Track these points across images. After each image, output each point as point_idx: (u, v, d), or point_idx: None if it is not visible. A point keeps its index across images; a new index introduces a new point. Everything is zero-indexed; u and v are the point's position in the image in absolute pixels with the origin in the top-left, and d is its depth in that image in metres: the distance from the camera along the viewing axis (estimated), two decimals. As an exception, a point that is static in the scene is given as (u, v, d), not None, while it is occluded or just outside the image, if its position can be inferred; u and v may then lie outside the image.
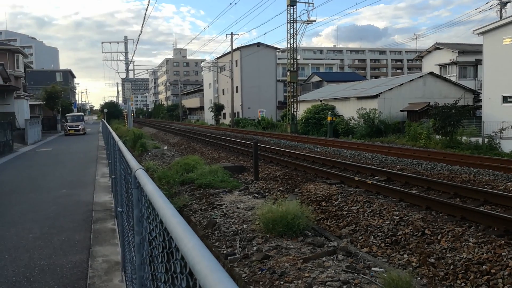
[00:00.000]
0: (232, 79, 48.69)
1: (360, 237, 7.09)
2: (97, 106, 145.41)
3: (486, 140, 19.41)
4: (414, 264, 5.82)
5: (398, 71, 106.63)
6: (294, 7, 33.81)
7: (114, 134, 7.69)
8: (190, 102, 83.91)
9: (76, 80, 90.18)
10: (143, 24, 45.73)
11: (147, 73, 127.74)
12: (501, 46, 22.73)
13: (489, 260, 5.47)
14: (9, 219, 7.54)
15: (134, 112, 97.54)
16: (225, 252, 6.05)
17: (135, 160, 3.09)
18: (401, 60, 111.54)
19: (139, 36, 46.03)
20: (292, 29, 34.03)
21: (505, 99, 22.69)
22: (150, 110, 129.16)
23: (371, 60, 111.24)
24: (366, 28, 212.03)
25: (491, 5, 35.57)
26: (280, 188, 10.69)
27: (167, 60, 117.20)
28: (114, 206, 7.34)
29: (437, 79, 30.90)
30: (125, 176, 3.86)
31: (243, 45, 55.33)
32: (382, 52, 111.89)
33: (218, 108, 55.26)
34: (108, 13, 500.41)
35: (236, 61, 53.75)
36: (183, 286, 1.27)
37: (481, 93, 27.03)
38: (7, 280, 4.70)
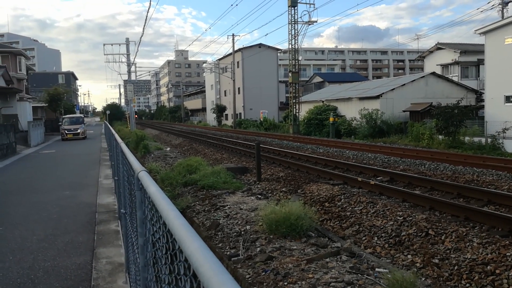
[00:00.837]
0: (234, 80, 48.71)
1: (363, 238, 7.07)
2: (99, 108, 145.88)
3: (489, 140, 19.35)
4: (418, 264, 5.80)
5: (400, 71, 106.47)
6: (295, 8, 33.81)
7: (116, 136, 7.70)
8: (192, 104, 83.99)
9: (78, 82, 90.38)
10: (144, 25, 45.81)
11: (149, 74, 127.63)
12: (503, 46, 22.67)
13: (494, 260, 5.44)
14: (13, 220, 7.55)
15: (137, 114, 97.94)
16: (228, 253, 6.05)
17: (138, 162, 3.10)
18: (403, 61, 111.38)
19: (140, 37, 46.16)
20: (293, 30, 34.05)
21: (508, 99, 22.62)
22: (152, 111, 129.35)
23: (372, 60, 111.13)
24: (367, 29, 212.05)
25: (493, 5, 35.48)
26: (283, 189, 10.68)
27: (168, 62, 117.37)
28: (118, 208, 7.35)
29: (439, 79, 30.82)
30: (128, 177, 3.87)
31: (244, 46, 55.39)
32: (384, 52, 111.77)
33: (220, 110, 55.30)
34: (110, 15, 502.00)
35: (238, 62, 53.77)
36: (187, 288, 1.26)
37: (483, 93, 26.93)
38: (11, 281, 4.71)
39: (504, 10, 35.17)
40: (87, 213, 8.03)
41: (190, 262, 1.11)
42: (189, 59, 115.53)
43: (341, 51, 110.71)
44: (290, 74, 35.30)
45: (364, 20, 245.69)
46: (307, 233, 6.47)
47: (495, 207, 8.01)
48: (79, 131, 31.24)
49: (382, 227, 7.25)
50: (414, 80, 30.81)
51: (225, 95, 60.98)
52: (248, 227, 7.03)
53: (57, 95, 42.44)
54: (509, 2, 35.56)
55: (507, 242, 5.80)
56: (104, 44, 37.23)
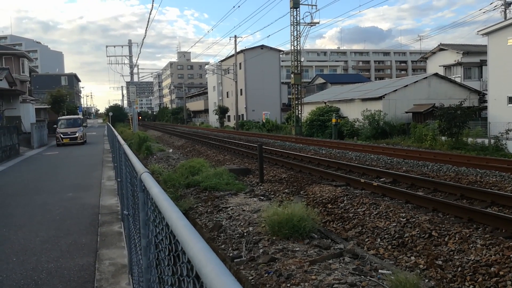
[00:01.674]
0: (236, 82, 48.77)
1: (366, 239, 7.06)
2: (102, 110, 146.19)
3: (492, 141, 19.29)
4: (421, 266, 5.78)
5: (403, 72, 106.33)
6: (297, 9, 33.83)
7: (119, 137, 7.72)
8: (195, 105, 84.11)
9: (81, 84, 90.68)
10: (147, 27, 45.95)
11: (151, 76, 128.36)
12: (506, 47, 22.61)
13: (498, 262, 5.42)
14: (16, 222, 7.57)
15: (141, 116, 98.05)
16: (231, 254, 6.05)
17: (140, 163, 3.10)
18: (405, 62, 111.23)
19: (143, 39, 46.27)
20: (295, 31, 34.05)
21: (511, 100, 22.56)
22: (154, 113, 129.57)
23: (375, 61, 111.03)
24: (369, 30, 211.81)
25: (495, 6, 35.43)
26: (286, 191, 10.67)
27: (171, 63, 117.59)
28: (120, 209, 7.36)
29: (442, 80, 30.77)
30: (130, 179, 3.87)
31: (246, 47, 55.48)
32: (386, 53, 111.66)
33: (222, 111, 55.35)
34: (113, 17, 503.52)
35: (240, 63, 53.83)
36: (190, 289, 1.26)
37: (486, 94, 26.88)
38: (15, 283, 4.72)
39: (507, 11, 35.13)
40: (90, 214, 8.04)
41: (193, 263, 1.11)
42: (192, 60, 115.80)
43: (343, 52, 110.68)
44: (292, 76, 35.31)
45: (366, 21, 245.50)
46: (309, 234, 6.47)
47: (499, 209, 7.98)
48: (77, 134, 27.53)
49: (385, 228, 7.23)
50: (417, 81, 30.78)
51: (227, 97, 61.04)
52: (250, 228, 7.02)
53: (60, 96, 42.57)
54: (512, 3, 35.48)
55: (511, 243, 5.77)
56: (106, 46, 37.39)
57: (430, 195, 9.13)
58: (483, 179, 11.07)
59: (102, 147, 24.59)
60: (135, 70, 38.12)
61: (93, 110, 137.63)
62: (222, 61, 62.06)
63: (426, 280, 5.35)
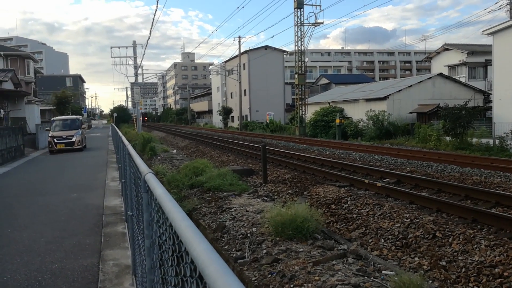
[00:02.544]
0: (240, 82, 48.79)
1: (370, 240, 7.04)
2: (106, 111, 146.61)
3: (497, 141, 19.18)
4: (425, 267, 5.76)
5: (407, 72, 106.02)
6: (302, 9, 33.82)
7: (123, 138, 7.74)
8: (199, 106, 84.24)
9: (85, 85, 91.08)
10: (151, 28, 45.99)
11: (155, 77, 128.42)
12: (511, 47, 22.50)
13: (502, 263, 5.40)
14: (21, 222, 7.62)
15: (147, 117, 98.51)
16: (234, 255, 6.05)
17: (144, 164, 3.12)
18: (409, 62, 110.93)
19: (147, 40, 46.37)
20: (299, 32, 34.05)
21: (516, 100, 22.42)
22: (159, 114, 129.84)
23: (379, 61, 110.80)
24: (374, 30, 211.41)
25: (501, 5, 35.23)
26: (289, 191, 10.67)
27: (175, 64, 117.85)
28: (124, 210, 7.38)
29: (446, 80, 30.65)
30: (134, 180, 3.89)
31: (250, 48, 55.47)
32: (391, 53, 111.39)
33: (226, 112, 55.40)
34: (117, 18, 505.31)
35: (244, 64, 53.85)
36: (193, 290, 1.27)
37: (491, 94, 26.73)
38: (19, 284, 4.75)
39: (512, 10, 34.91)
40: (94, 215, 8.08)
41: (196, 263, 1.12)
42: (196, 61, 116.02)
43: (348, 53, 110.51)
44: (296, 76, 35.29)
45: (370, 22, 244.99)
46: (313, 235, 6.46)
47: (503, 209, 7.94)
48: (74, 139, 22.88)
49: (389, 229, 7.22)
50: (421, 81, 30.67)
51: (231, 97, 61.09)
52: (254, 229, 7.03)
53: (64, 98, 42.79)
54: (517, 2, 35.26)
55: (516, 244, 5.74)
56: (111, 47, 37.51)
57: (434, 196, 9.10)
58: (488, 179, 11.02)
59: (107, 148, 24.59)
60: (139, 71, 38.21)
61: (97, 111, 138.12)
62: (226, 61, 62.13)
63: (430, 281, 5.34)
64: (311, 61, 77.16)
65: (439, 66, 37.96)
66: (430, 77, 31.08)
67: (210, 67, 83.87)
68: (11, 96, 29.02)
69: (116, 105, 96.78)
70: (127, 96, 78.86)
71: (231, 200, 9.41)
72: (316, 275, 4.96)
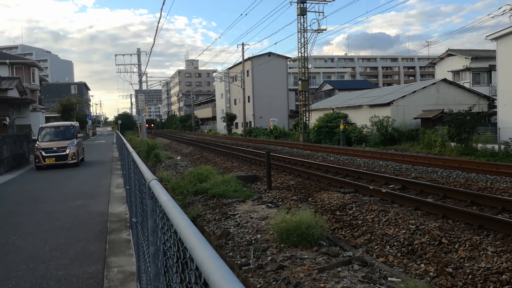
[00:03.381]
0: (243, 89, 48.92)
1: (375, 247, 7.00)
2: (111, 118, 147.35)
3: (502, 146, 19.09)
4: (431, 274, 5.71)
5: (411, 78, 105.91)
6: (305, 16, 33.96)
7: (128, 145, 7.77)
8: (203, 113, 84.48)
9: (90, 93, 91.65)
10: (155, 36, 46.24)
11: (160, 84, 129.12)
12: (516, 52, 22.44)
13: (509, 269, 5.34)
14: (26, 229, 7.63)
15: (153, 124, 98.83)
16: (239, 262, 6.03)
17: (149, 171, 3.12)
18: (413, 67, 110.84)
19: (151, 48, 46.71)
20: (302, 38, 34.16)
21: (521, 105, 22.33)
22: (163, 120, 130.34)
23: (383, 67, 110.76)
24: (377, 36, 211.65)
25: (504, 11, 35.07)
26: (294, 198, 10.64)
27: (179, 71, 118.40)
28: (129, 217, 7.38)
29: (450, 86, 30.60)
30: (139, 186, 3.89)
31: (254, 55, 55.72)
32: (394, 59, 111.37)
33: (230, 118, 55.51)
34: (122, 26, 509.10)
35: (248, 71, 54.03)
36: (198, 297, 1.26)
37: (495, 99, 26.64)
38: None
39: (516, 15, 34.86)
40: (98, 222, 8.08)
41: (201, 270, 1.12)
42: (199, 68, 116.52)
43: (351, 59, 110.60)
44: (299, 82, 35.35)
45: (373, 28, 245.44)
46: (318, 242, 6.43)
47: (510, 215, 7.87)
48: (67, 151, 18.43)
49: (394, 235, 7.17)
50: (425, 87, 30.63)
51: (235, 104, 61.23)
52: (258, 236, 7.01)
53: (69, 105, 43.08)
54: (521, 7, 35.22)
55: (523, 250, 5.69)
56: (115, 55, 37.67)
57: (440, 202, 9.04)
58: (494, 185, 10.95)
59: (111, 155, 24.58)
60: (143, 78, 38.36)
61: (102, 118, 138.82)
62: (229, 68, 62.36)
63: (437, 288, 5.29)
64: (314, 68, 77.29)
65: (443, 71, 37.91)
66: (434, 83, 31.04)
67: (214, 74, 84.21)
68: (17, 103, 29.22)
69: (120, 112, 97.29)
70: (132, 103, 79.27)
71: (235, 207, 9.39)
72: (321, 282, 4.93)
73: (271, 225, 6.83)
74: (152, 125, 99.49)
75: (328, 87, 55.93)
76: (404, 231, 7.20)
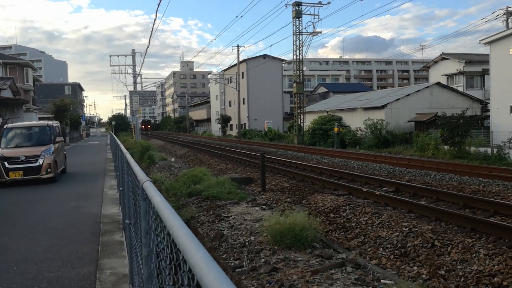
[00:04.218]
0: (238, 91, 48.91)
1: (369, 249, 7.01)
2: (105, 119, 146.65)
3: (495, 150, 19.24)
4: (424, 276, 5.73)
5: (405, 81, 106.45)
6: (300, 19, 34.04)
7: (122, 146, 7.74)
8: (197, 114, 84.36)
9: (84, 93, 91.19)
10: (150, 37, 46.17)
11: (154, 85, 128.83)
12: (508, 56, 22.66)
13: (501, 272, 5.38)
14: (18, 231, 7.57)
15: (150, 125, 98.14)
16: (232, 264, 6.02)
17: (142, 172, 3.11)
18: (407, 71, 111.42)
19: (146, 49, 46.42)
20: (298, 41, 34.24)
21: (514, 109, 22.53)
22: (157, 122, 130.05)
23: (377, 71, 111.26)
24: (372, 39, 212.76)
25: (497, 15, 35.53)
26: (288, 200, 10.64)
27: (174, 73, 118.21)
28: (122, 218, 7.35)
29: (444, 89, 30.81)
30: (132, 188, 3.88)
31: (249, 57, 55.75)
32: (388, 62, 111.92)
33: (225, 120, 55.47)
34: (117, 27, 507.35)
35: (243, 73, 54.06)
36: (190, 299, 1.26)
37: (489, 103, 26.87)
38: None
39: (509, 20, 35.22)
40: (91, 223, 8.04)
41: (194, 272, 1.11)
42: (195, 70, 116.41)
43: (346, 62, 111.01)
44: (294, 85, 35.41)
45: (368, 31, 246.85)
46: (312, 244, 6.44)
47: (502, 218, 7.93)
48: (40, 162, 13.64)
49: (387, 238, 7.19)
50: (419, 90, 30.83)
51: (230, 106, 61.21)
52: (252, 238, 7.00)
53: (63, 106, 42.81)
54: (514, 12, 35.56)
55: (515, 253, 5.73)
56: (110, 56, 37.52)
57: (433, 204, 9.09)
58: (486, 188, 11.02)
59: (105, 156, 24.45)
60: (138, 80, 38.27)
61: (96, 119, 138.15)
62: (224, 70, 62.35)
63: (429, 291, 5.30)
64: (309, 70, 77.51)
65: (436, 75, 38.17)
66: (428, 86, 31.24)
67: (209, 75, 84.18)
68: (10, 104, 29.04)
69: (114, 113, 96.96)
70: (126, 104, 78.96)
71: (229, 209, 9.38)
72: (314, 284, 4.94)
73: (265, 227, 6.83)
74: (149, 126, 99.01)
75: (322, 89, 56.10)
76: (397, 234, 7.22)
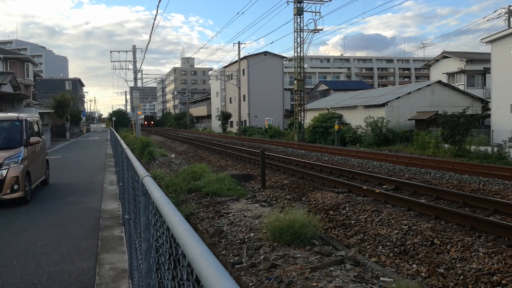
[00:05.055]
0: (239, 88, 48.86)
1: (368, 247, 7.02)
2: (105, 115, 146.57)
3: (495, 149, 19.22)
4: (423, 274, 5.74)
5: (406, 79, 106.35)
6: (301, 16, 33.97)
7: (122, 142, 7.73)
8: (198, 111, 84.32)
9: (85, 89, 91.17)
10: (151, 33, 45.98)
11: (155, 81, 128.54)
12: (510, 55, 22.62)
13: (500, 270, 5.38)
14: (18, 225, 7.58)
15: (154, 121, 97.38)
16: (232, 260, 6.03)
17: (142, 168, 3.11)
18: (408, 69, 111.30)
19: (147, 45, 46.37)
20: (299, 38, 34.18)
21: (515, 108, 22.51)
22: (158, 118, 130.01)
23: (378, 68, 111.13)
24: (373, 37, 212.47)
25: (499, 14, 35.45)
26: (287, 197, 10.65)
27: (175, 69, 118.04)
28: (122, 214, 7.35)
29: (445, 88, 30.76)
30: (132, 183, 3.88)
31: (250, 54, 55.64)
32: (390, 60, 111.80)
33: (225, 117, 55.44)
34: (118, 23, 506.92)
35: (243, 69, 53.98)
36: (190, 293, 1.26)
37: (489, 102, 26.83)
38: (15, 286, 4.72)
39: (511, 19, 35.13)
40: (91, 219, 8.04)
41: (193, 266, 1.11)
42: (195, 66, 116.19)
43: (347, 59, 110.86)
44: (295, 82, 35.37)
45: (370, 29, 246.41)
46: (311, 241, 6.44)
47: (502, 217, 7.94)
48: (2, 174, 8.85)
49: (387, 235, 7.20)
50: (420, 88, 30.77)
51: (230, 102, 61.17)
52: (252, 234, 7.01)
53: (63, 101, 42.79)
54: (516, 11, 35.46)
55: (514, 252, 5.73)
56: (111, 51, 37.45)
57: (433, 203, 9.09)
58: (486, 187, 11.02)
59: (105, 152, 24.44)
60: (139, 76, 38.23)
61: (96, 115, 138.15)
62: (225, 67, 62.27)
63: (428, 288, 5.31)
64: (310, 68, 77.39)
65: (437, 73, 38.11)
66: (429, 85, 31.19)
67: (210, 72, 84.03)
68: (10, 99, 29.01)
69: (115, 109, 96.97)
70: (126, 100, 79.01)
71: (229, 205, 9.39)
72: (313, 281, 4.94)
73: (265, 223, 6.83)
74: (152, 122, 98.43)
75: (323, 87, 56.01)
76: (397, 232, 7.23)
